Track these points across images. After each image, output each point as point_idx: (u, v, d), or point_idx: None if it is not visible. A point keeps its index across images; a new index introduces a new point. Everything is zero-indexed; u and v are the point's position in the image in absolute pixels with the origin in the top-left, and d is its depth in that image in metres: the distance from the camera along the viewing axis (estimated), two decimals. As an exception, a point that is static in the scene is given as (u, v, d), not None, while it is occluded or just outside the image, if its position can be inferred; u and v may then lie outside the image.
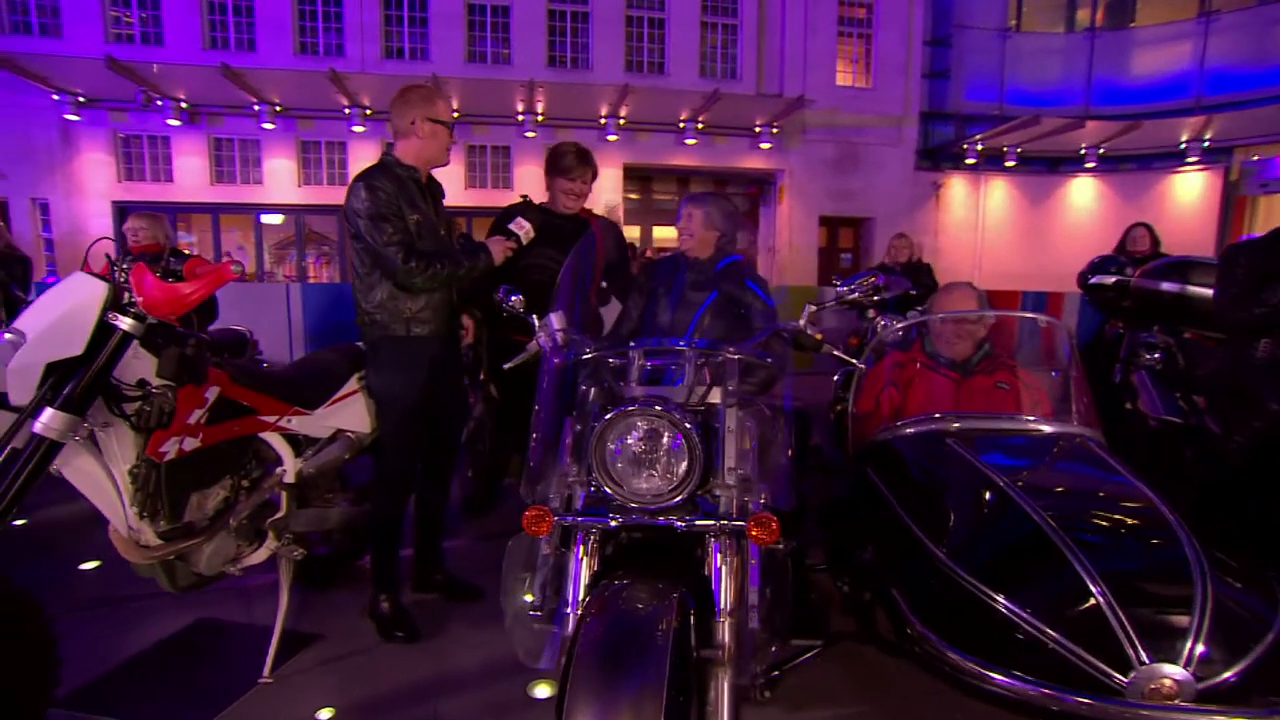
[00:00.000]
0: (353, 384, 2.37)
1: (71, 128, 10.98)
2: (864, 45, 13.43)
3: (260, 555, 2.08)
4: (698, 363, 1.55)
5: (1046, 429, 2.00)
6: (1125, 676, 1.17)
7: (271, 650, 2.06)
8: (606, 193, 12.00)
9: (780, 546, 1.66)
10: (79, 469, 1.56)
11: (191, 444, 1.71)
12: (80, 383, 1.45)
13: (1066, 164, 13.84)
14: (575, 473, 1.43)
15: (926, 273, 5.54)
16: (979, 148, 13.06)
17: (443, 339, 2.35)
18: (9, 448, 1.42)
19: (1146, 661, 1.16)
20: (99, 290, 1.50)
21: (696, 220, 2.35)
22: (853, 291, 1.80)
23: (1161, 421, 2.79)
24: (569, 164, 2.78)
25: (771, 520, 1.31)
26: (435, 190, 2.44)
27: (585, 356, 1.60)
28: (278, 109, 11.20)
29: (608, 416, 1.33)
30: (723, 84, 12.19)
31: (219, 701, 1.92)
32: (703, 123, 12.12)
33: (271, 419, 2.03)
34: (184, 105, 10.91)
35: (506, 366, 2.04)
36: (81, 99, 10.68)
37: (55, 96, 10.51)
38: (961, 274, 10.49)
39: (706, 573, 1.36)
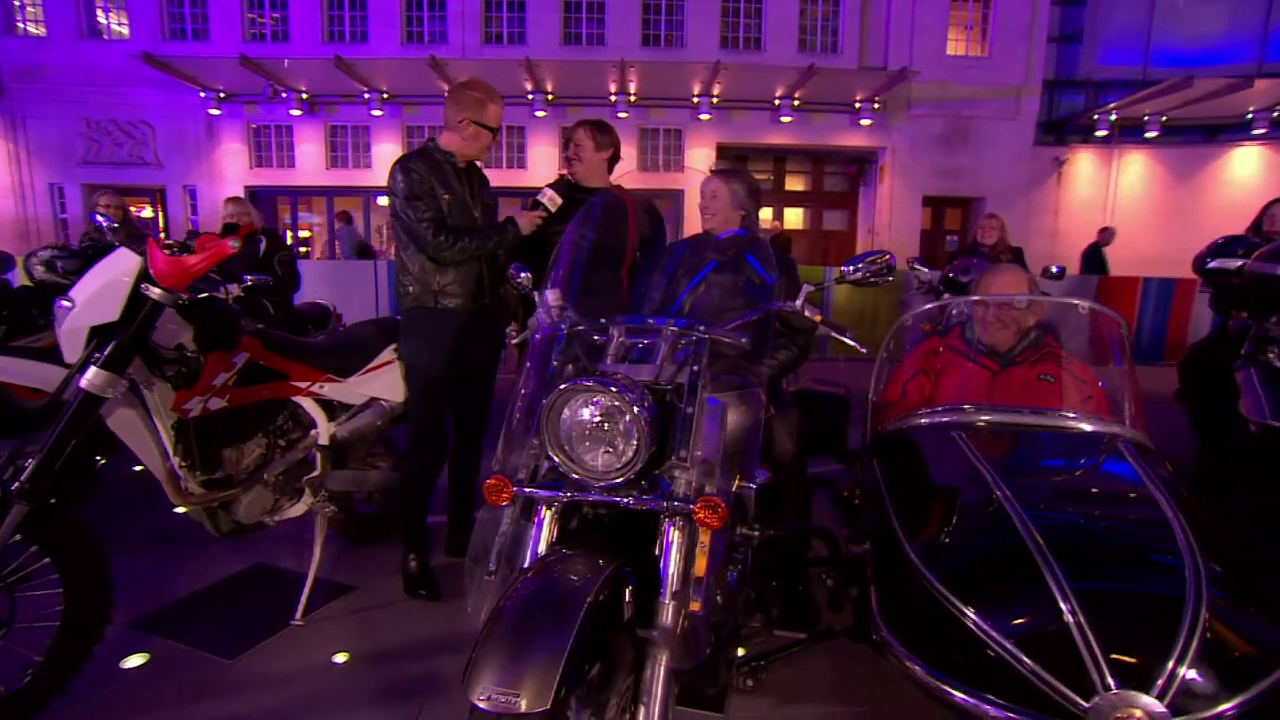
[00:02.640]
0: (387, 354, 2.52)
1: (214, 121, 12.23)
2: (981, 9, 12.37)
3: (298, 509, 2.27)
4: (675, 341, 1.54)
5: (1086, 427, 1.81)
6: (1086, 701, 1.06)
7: (304, 596, 2.26)
8: (699, 174, 11.87)
9: (752, 533, 1.63)
10: (123, 421, 1.78)
11: (218, 404, 1.90)
12: (118, 345, 1.65)
13: (1227, 131, 12.17)
14: (536, 446, 1.46)
15: (1016, 257, 5.10)
16: (1112, 118, 11.75)
17: (471, 312, 2.45)
18: (60, 400, 1.65)
19: (1112, 687, 1.05)
20: (132, 263, 1.70)
21: (721, 198, 2.30)
22: (856, 271, 1.71)
23: (1264, 427, 2.44)
24: (569, 133, 2.80)
25: (719, 504, 1.28)
26: (474, 175, 2.56)
27: (563, 331, 1.61)
28: (385, 96, 11.91)
29: (559, 388, 1.35)
30: (822, 58, 11.70)
31: (252, 637, 2.14)
32: (799, 99, 11.70)
33: (304, 385, 2.20)
34: (304, 96, 11.85)
35: (513, 344, 2.10)
36: (222, 94, 11.85)
37: (202, 94, 11.72)
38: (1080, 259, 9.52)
39: (657, 553, 1.36)
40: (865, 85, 11.60)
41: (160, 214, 12.83)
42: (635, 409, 1.32)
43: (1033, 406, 1.91)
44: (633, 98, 11.77)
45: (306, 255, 14.61)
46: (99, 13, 12.26)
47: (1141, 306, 7.63)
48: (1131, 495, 1.46)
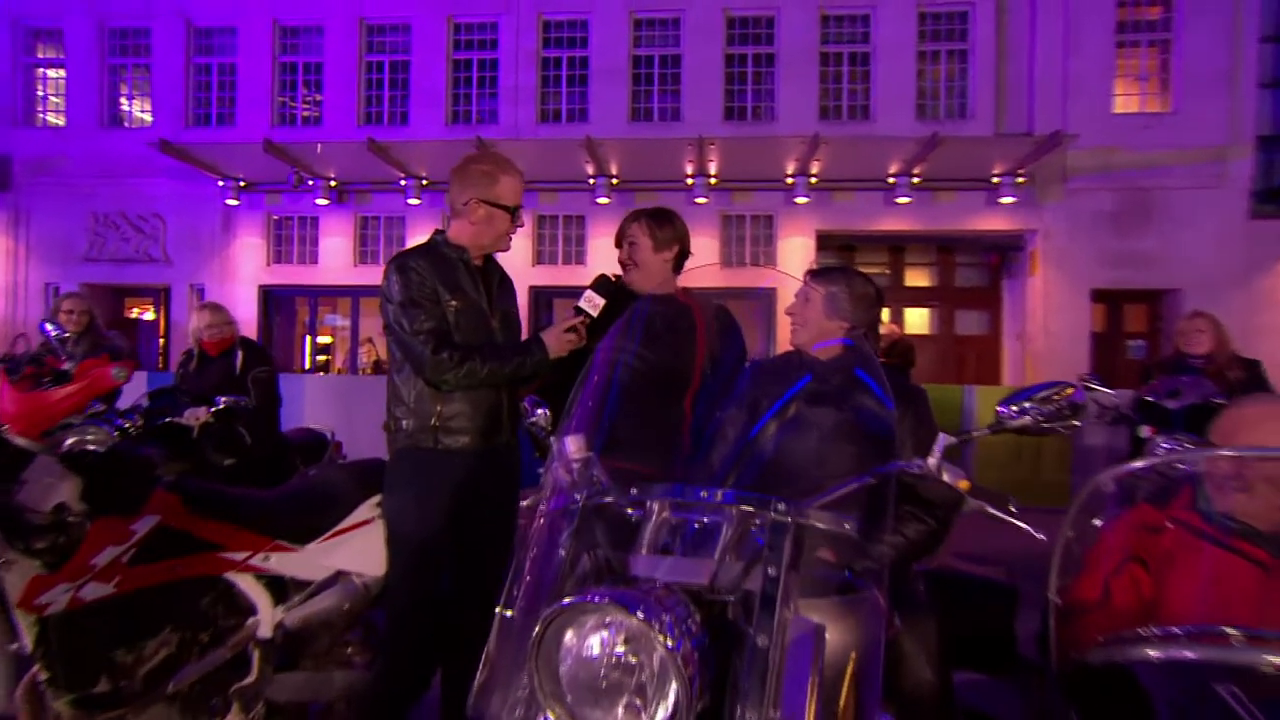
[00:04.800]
0: (365, 511, 2.38)
1: (232, 213, 13.35)
2: (1158, 55, 12.28)
3: (223, 735, 2.03)
4: (744, 523, 1.30)
5: None
6: None
7: None
8: (794, 270, 11.86)
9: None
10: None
11: (100, 591, 1.72)
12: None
13: None
14: (525, 689, 1.21)
15: (1251, 373, 4.56)
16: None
17: (482, 454, 2.33)
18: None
19: None
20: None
21: (814, 305, 2.14)
22: (1023, 413, 1.44)
23: None
24: (621, 228, 2.67)
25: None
26: (492, 275, 2.50)
27: (577, 505, 1.39)
28: (424, 183, 12.70)
29: (559, 604, 1.11)
30: (948, 125, 11.81)
31: None
32: (919, 176, 11.73)
33: (240, 556, 2.03)
34: (333, 184, 12.81)
35: (524, 504, 1.90)
36: (242, 183, 12.99)
37: (220, 183, 12.88)
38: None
39: None
40: (1005, 155, 11.53)
41: (163, 317, 13.81)
42: (672, 641, 1.05)
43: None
44: (714, 179, 12.11)
45: (326, 366, 15.28)
46: (122, 101, 13.94)
47: None
48: None
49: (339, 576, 2.31)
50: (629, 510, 1.44)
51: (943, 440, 1.43)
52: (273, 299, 13.81)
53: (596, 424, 1.67)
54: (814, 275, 2.17)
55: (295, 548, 2.18)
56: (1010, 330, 12.94)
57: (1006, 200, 11.87)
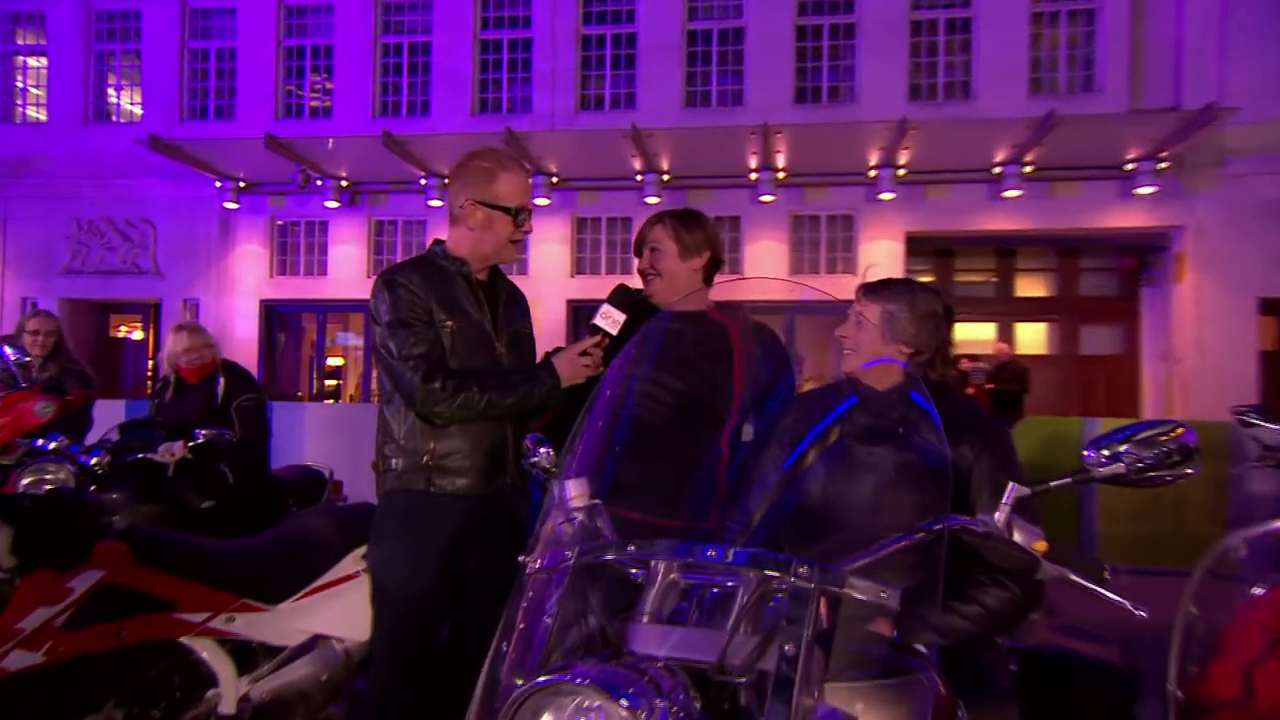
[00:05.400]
0: (350, 564, 2.43)
1: (230, 218, 13.84)
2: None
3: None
4: (760, 589, 1.29)
5: None
6: None
7: None
8: (878, 275, 11.72)
9: None
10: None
11: (26, 659, 1.76)
12: None
13: None
14: None
15: None
16: None
17: (483, 499, 2.36)
18: None
19: None
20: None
21: (870, 325, 2.10)
22: (1115, 458, 1.45)
23: None
24: (641, 232, 2.69)
25: None
26: (499, 290, 2.54)
27: (568, 562, 1.40)
28: (447, 182, 12.96)
29: (518, 690, 1.14)
30: (1070, 102, 11.60)
31: None
32: (1032, 164, 11.53)
33: (199, 618, 2.07)
34: (344, 184, 13.17)
35: (521, 560, 1.90)
36: (242, 184, 13.46)
37: (218, 184, 13.38)
38: None
39: None
40: (1142, 136, 11.23)
41: (152, 336, 14.34)
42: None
43: None
44: (781, 174, 12.12)
45: (336, 393, 15.63)
46: (109, 92, 14.62)
47: None
48: None
49: (316, 641, 2.34)
50: (633, 570, 1.44)
51: (1013, 491, 1.40)
52: (276, 315, 14.23)
53: (602, 465, 1.67)
54: (867, 290, 2.14)
55: (265, 607, 2.21)
56: (1151, 349, 12.60)
57: (1144, 191, 11.59)
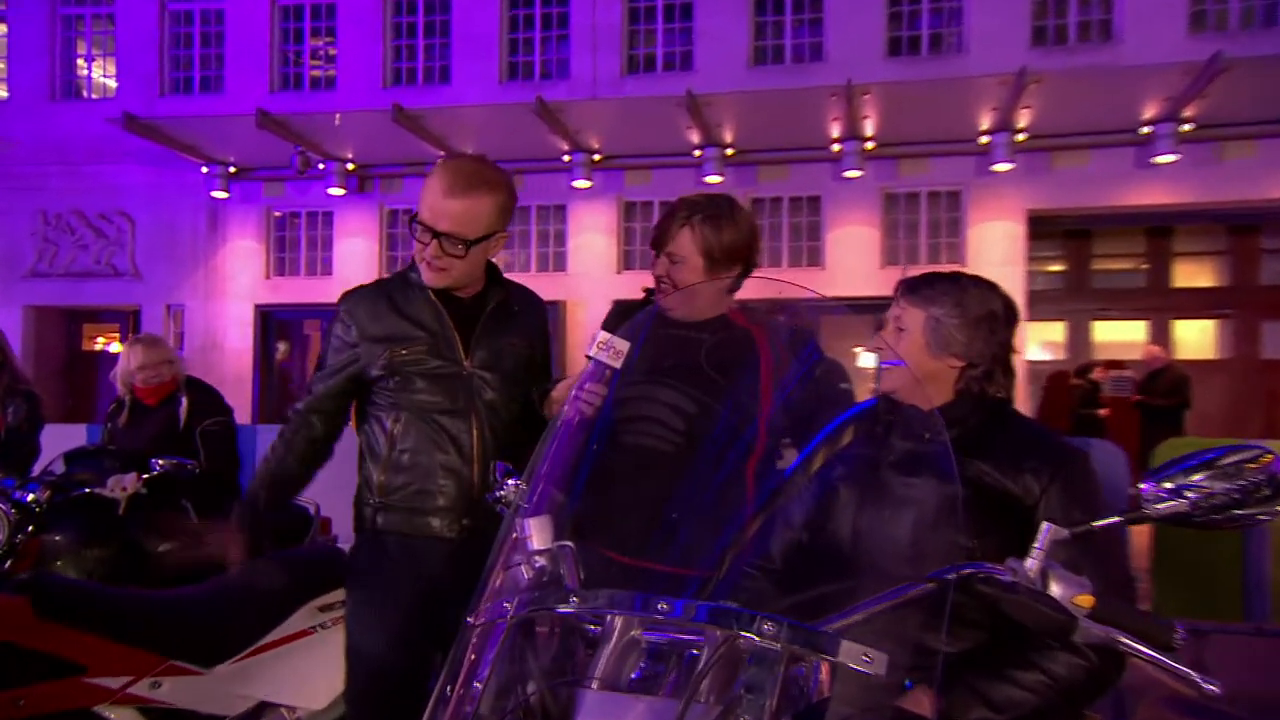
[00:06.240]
0: (303, 619, 2.48)
1: (220, 209, 14.23)
2: None
3: None
4: (724, 648, 1.33)
5: None
6: None
7: None
8: (995, 265, 11.58)
9: None
10: None
11: None
12: None
13: None
14: None
15: None
16: None
17: (465, 541, 2.45)
18: None
19: None
20: None
21: (913, 333, 2.11)
22: (1177, 492, 1.46)
23: None
24: (662, 228, 2.68)
25: None
26: (487, 303, 2.60)
27: (505, 620, 1.44)
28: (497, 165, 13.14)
29: None
30: (1239, 41, 11.29)
31: None
32: (1192, 121, 11.26)
33: (116, 683, 2.12)
34: (351, 167, 13.43)
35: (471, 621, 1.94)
36: (233, 169, 13.83)
37: (204, 169, 13.77)
38: None
39: None
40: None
41: (131, 349, 14.73)
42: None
43: None
44: (871, 144, 12.04)
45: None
46: (79, 64, 15.10)
47: None
48: None
49: (262, 710, 2.38)
50: (590, 626, 1.46)
51: (1048, 532, 1.37)
52: (274, 323, 14.57)
53: (570, 499, 1.77)
54: (908, 290, 2.15)
55: (198, 670, 2.25)
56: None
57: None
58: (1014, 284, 11.80)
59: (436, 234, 2.35)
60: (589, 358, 2.39)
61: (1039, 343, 14.19)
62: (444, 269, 2.41)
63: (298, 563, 2.57)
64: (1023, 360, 11.93)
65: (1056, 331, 14.24)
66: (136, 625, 2.19)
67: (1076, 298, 13.80)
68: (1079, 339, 13.99)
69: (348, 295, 2.60)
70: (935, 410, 1.84)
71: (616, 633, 1.40)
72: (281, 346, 14.86)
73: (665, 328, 2.58)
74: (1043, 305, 13.26)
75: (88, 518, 3.84)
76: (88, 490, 3.85)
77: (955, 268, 13.17)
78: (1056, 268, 14.11)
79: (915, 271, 2.23)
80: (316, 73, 14.42)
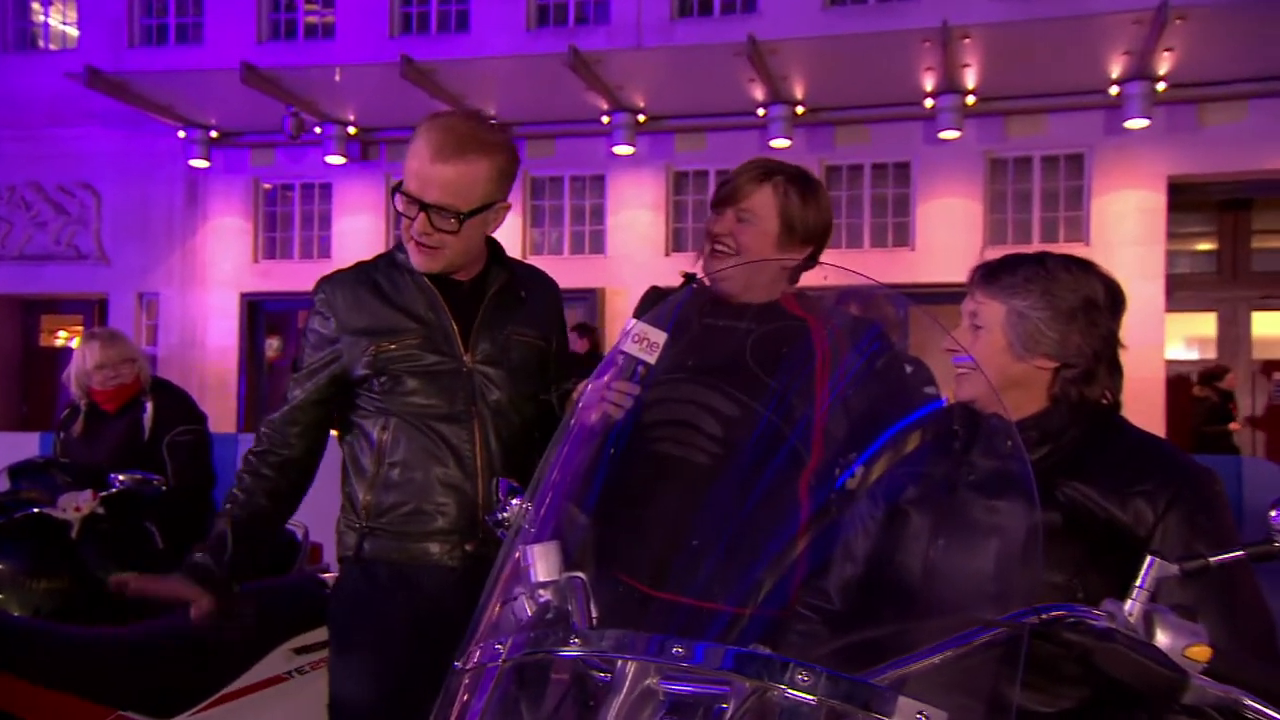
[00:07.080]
0: (275, 663, 2.53)
1: (200, 180, 14.47)
2: None
3: None
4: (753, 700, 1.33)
5: None
6: None
7: None
8: (1127, 244, 11.47)
9: None
10: None
11: None
12: None
13: None
14: None
15: None
16: None
17: (466, 569, 2.46)
18: None
19: None
20: None
21: (993, 330, 2.13)
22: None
23: None
24: (734, 183, 2.67)
25: None
26: (487, 288, 2.63)
27: (497, 664, 1.48)
28: (493, 123, 13.23)
29: None
30: None
31: None
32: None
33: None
34: (352, 131, 13.58)
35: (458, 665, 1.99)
36: (215, 133, 14.03)
37: (182, 133, 14.00)
38: None
39: None
40: None
41: (95, 346, 14.99)
42: None
43: None
44: (971, 98, 12.01)
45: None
46: (35, 9, 15.31)
47: None
48: None
49: (228, 767, 2.41)
50: (599, 674, 1.48)
51: (1152, 567, 1.37)
52: (263, 314, 14.79)
53: (580, 517, 1.83)
54: (985, 278, 2.15)
55: (150, 721, 2.29)
56: None
57: None
58: (1152, 267, 11.77)
59: (424, 206, 2.32)
60: (622, 354, 2.40)
61: (1183, 338, 14.04)
62: (435, 248, 2.39)
63: (272, 596, 2.60)
64: (1162, 360, 11.84)
65: (1206, 324, 14.04)
66: (85, 671, 2.23)
67: (1231, 283, 13.60)
68: (1234, 333, 13.70)
69: (324, 282, 2.60)
70: (1011, 421, 1.84)
71: (629, 681, 1.38)
72: (273, 342, 15.06)
73: (704, 314, 2.58)
74: (1188, 292, 13.17)
75: (35, 543, 3.89)
76: (35, 510, 3.90)
77: (1076, 249, 13.19)
78: (1205, 246, 13.94)
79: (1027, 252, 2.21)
80: (312, 19, 14.62)
